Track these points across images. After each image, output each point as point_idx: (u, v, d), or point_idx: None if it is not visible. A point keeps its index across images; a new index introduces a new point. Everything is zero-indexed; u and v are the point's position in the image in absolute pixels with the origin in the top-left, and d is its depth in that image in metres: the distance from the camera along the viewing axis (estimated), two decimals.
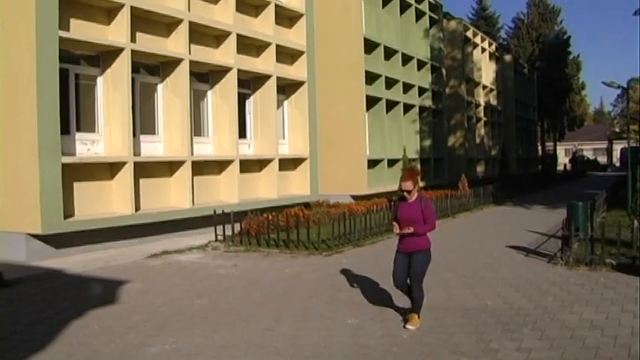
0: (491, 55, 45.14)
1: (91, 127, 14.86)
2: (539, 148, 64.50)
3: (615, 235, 11.57)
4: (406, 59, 29.88)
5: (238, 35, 18.09)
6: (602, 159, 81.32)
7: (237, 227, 15.31)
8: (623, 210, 19.30)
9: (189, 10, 16.48)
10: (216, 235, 15.28)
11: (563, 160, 75.17)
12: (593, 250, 11.63)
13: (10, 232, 13.03)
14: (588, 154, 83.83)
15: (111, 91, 14.87)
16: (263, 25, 19.54)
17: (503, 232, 17.11)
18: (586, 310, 8.32)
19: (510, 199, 28.43)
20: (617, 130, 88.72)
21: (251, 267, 12.32)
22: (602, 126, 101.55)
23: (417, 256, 7.62)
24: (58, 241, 13.12)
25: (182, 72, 16.36)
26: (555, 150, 67.80)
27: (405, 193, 7.63)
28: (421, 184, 27.23)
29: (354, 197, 23.83)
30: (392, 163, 27.47)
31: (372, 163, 26.23)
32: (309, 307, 8.86)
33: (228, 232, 15.24)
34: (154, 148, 16.39)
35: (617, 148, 75.45)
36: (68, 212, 13.38)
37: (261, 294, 9.74)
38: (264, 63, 19.62)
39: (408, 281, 7.76)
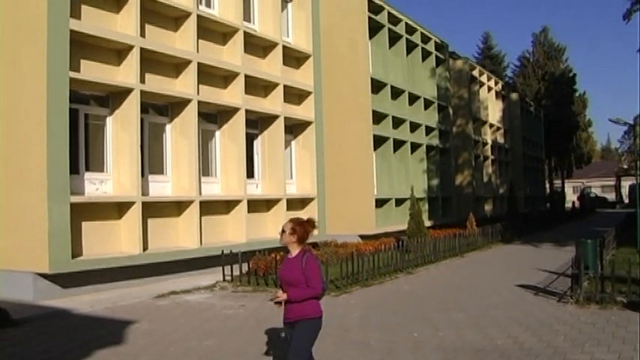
0: (497, 94, 45.37)
1: (99, 167, 14.96)
2: (547, 185, 64.35)
3: (625, 272, 11.49)
4: (413, 99, 30.08)
5: (246, 76, 18.28)
6: (611, 196, 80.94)
7: (244, 267, 15.28)
8: (632, 247, 19.18)
9: (197, 51, 16.70)
10: (223, 275, 15.23)
11: (571, 197, 74.89)
12: (603, 288, 11.55)
13: (17, 271, 13.00)
14: (596, 191, 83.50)
15: (120, 131, 15.00)
16: (271, 66, 19.74)
17: (512, 271, 17.00)
18: (598, 350, 8.22)
19: (519, 237, 28.29)
20: (625, 166, 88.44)
21: (259, 307, 12.25)
22: (610, 163, 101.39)
23: (299, 327, 5.98)
24: (65, 280, 13.10)
25: (190, 112, 16.50)
26: (563, 187, 67.67)
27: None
28: (428, 223, 27.18)
29: (362, 237, 23.76)
30: (400, 202, 27.44)
31: (380, 203, 26.21)
32: (317, 348, 8.72)
33: (236, 272, 15.20)
34: (162, 187, 16.45)
35: (626, 184, 75.24)
36: (76, 252, 13.38)
37: (269, 334, 9.67)
38: (272, 103, 19.78)
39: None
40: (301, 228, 6.02)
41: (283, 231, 6.04)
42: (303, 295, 5.88)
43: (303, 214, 20.94)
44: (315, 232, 6.07)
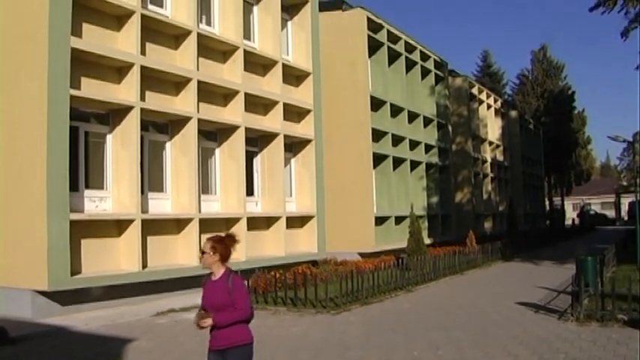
0: (496, 112, 45.51)
1: (99, 184, 14.98)
2: (547, 203, 64.33)
3: (626, 289, 11.46)
4: (412, 116, 30.16)
5: (246, 94, 18.34)
6: (611, 213, 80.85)
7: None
8: (633, 264, 19.15)
9: (198, 69, 16.77)
10: None
11: (571, 214, 74.79)
12: (603, 305, 11.51)
13: (16, 288, 12.97)
14: (596, 208, 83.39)
15: (120, 149, 15.03)
16: (271, 84, 19.82)
17: (512, 288, 16.95)
18: None
19: (519, 254, 28.22)
20: (625, 183, 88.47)
21: (258, 325, 12.16)
22: (610, 180, 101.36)
23: (231, 356, 5.43)
24: (64, 298, 13.05)
25: (190, 130, 16.54)
26: (563, 205, 67.58)
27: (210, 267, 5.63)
28: (428, 240, 27.15)
29: (362, 254, 23.72)
30: (399, 220, 27.42)
31: (380, 220, 26.19)
32: None
33: None
34: (161, 205, 16.45)
35: (626, 201, 75.17)
36: (75, 269, 13.35)
37: (268, 353, 9.63)
38: (272, 121, 19.83)
39: None
40: (222, 245, 5.60)
41: (203, 252, 5.56)
42: (231, 319, 5.36)
43: (302, 232, 21.00)
44: (237, 246, 5.79)
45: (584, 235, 47.62)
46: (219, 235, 5.73)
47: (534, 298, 14.71)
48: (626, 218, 69.70)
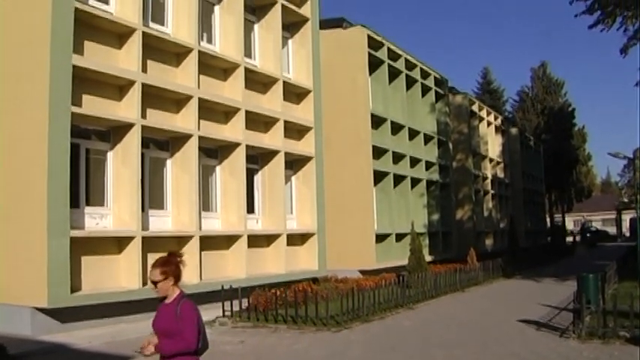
0: (497, 129, 45.60)
1: (100, 201, 14.98)
2: (548, 220, 64.28)
3: (628, 306, 11.42)
4: (413, 134, 30.22)
5: (247, 111, 18.39)
6: (612, 229, 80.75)
7: (244, 302, 15.18)
8: (634, 281, 19.07)
9: (198, 86, 16.83)
10: (223, 311, 15.12)
11: (572, 230, 74.69)
12: (605, 322, 11.47)
13: (15, 305, 12.93)
14: (597, 225, 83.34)
15: (120, 166, 15.05)
16: (271, 102, 19.88)
17: (513, 306, 16.90)
18: None
19: (520, 271, 28.14)
20: (626, 200, 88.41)
21: (258, 343, 12.16)
22: (610, 196, 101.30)
23: None
24: (64, 315, 13.01)
25: (191, 147, 16.56)
26: (564, 221, 67.53)
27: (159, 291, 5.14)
28: (429, 258, 27.09)
29: (363, 272, 23.65)
30: (400, 237, 27.38)
31: (380, 238, 26.15)
32: None
33: (236, 308, 15.10)
34: (162, 222, 16.44)
35: (627, 218, 75.08)
36: (75, 286, 13.32)
37: None
38: (273, 139, 19.87)
39: None
40: (171, 266, 5.10)
41: (154, 282, 5.06)
42: (174, 349, 4.92)
43: (303, 250, 20.96)
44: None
45: (585, 251, 47.48)
46: (162, 257, 5.18)
47: (536, 315, 14.66)
48: (627, 234, 69.62)
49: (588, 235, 66.36)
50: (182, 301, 5.07)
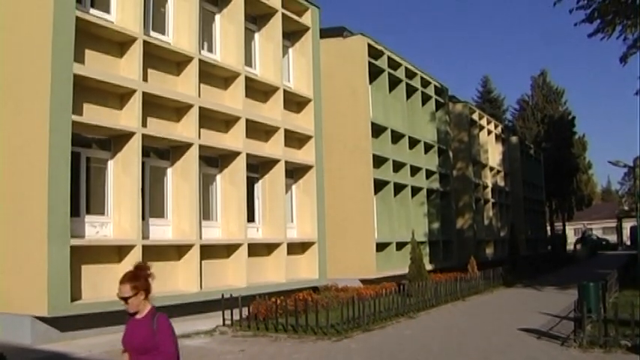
0: (497, 137, 45.62)
1: (100, 210, 14.97)
2: (548, 228, 64.21)
3: (629, 315, 11.39)
4: (413, 142, 30.24)
5: (247, 120, 18.41)
6: (612, 238, 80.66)
7: (245, 311, 15.16)
8: (635, 289, 19.04)
9: (199, 95, 16.86)
10: (223, 320, 15.10)
11: (572, 239, 74.57)
12: (606, 331, 11.44)
13: (15, 314, 12.91)
14: (598, 233, 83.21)
15: (121, 175, 15.05)
16: (272, 110, 19.90)
17: (514, 314, 16.86)
18: None
19: (520, 280, 28.08)
20: (626, 208, 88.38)
21: (259, 352, 12.13)
22: (611, 204, 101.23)
23: None
24: (64, 323, 12.98)
25: (191, 156, 16.57)
26: (564, 230, 67.44)
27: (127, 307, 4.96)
28: (430, 266, 27.05)
29: (363, 281, 23.61)
30: (400, 246, 27.34)
31: (381, 247, 26.12)
32: None
33: (236, 317, 15.07)
34: (162, 231, 16.43)
35: (627, 226, 75.02)
36: (75, 295, 13.30)
37: None
38: (273, 147, 19.88)
39: None
40: (141, 280, 4.97)
41: (124, 299, 4.88)
42: None
43: (303, 258, 20.94)
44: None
45: (586, 260, 47.42)
46: (129, 271, 5.01)
47: (537, 324, 14.63)
48: (628, 243, 69.58)
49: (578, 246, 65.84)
50: (158, 315, 4.96)
